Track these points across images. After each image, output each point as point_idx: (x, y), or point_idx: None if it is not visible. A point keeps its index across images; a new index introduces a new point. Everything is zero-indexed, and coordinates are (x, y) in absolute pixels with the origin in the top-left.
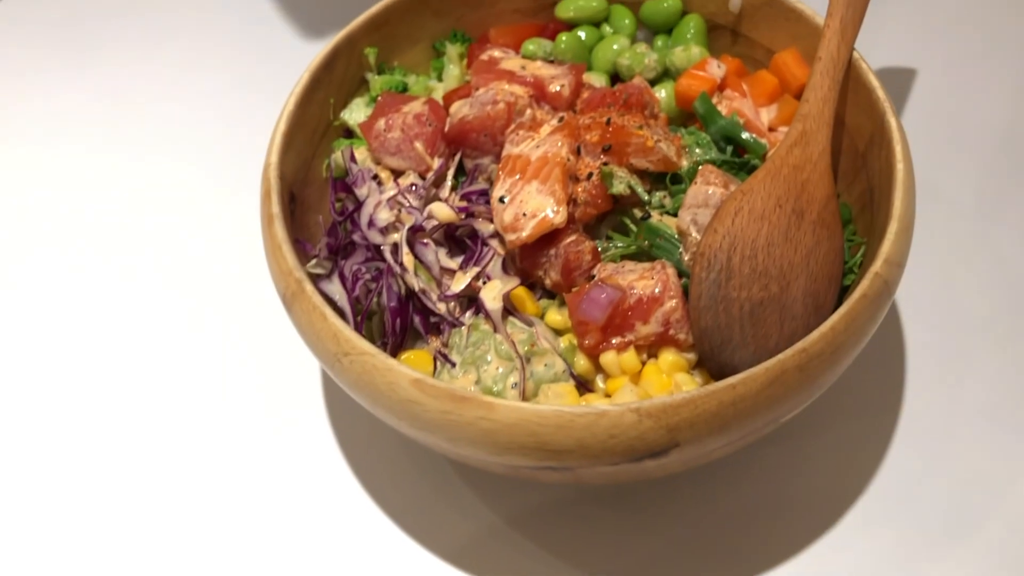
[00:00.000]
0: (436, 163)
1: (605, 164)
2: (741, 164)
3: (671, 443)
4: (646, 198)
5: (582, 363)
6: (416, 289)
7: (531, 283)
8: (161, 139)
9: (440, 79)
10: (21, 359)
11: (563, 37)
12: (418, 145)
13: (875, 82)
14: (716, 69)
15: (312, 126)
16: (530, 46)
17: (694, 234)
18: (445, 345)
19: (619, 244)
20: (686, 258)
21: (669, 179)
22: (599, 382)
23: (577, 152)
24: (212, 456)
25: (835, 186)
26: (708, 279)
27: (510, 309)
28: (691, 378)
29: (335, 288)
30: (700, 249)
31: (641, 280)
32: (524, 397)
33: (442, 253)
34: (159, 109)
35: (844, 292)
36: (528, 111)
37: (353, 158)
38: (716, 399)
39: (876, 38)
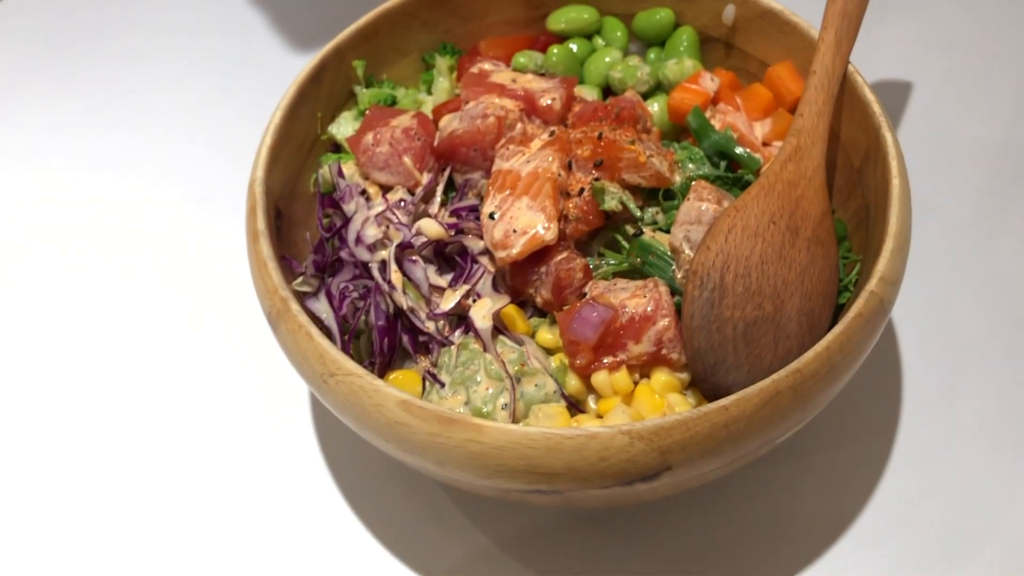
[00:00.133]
0: (425, 178)
1: (597, 179)
2: (735, 180)
3: (663, 466)
4: (638, 214)
5: (573, 383)
6: (404, 307)
7: (522, 301)
8: (149, 151)
9: (430, 92)
10: (21, 359)
11: (554, 49)
12: (407, 160)
13: (871, 96)
14: (709, 82)
15: (299, 140)
16: (521, 58)
17: (687, 251)
18: (434, 365)
19: (611, 261)
20: (679, 276)
21: (662, 195)
22: (591, 402)
23: (568, 167)
24: (211, 456)
25: (830, 202)
26: (701, 298)
27: (500, 328)
28: (684, 399)
29: (322, 306)
30: (693, 267)
31: (633, 298)
32: (514, 418)
33: (431, 270)
34: (142, 123)
35: (839, 310)
36: (519, 125)
37: (341, 173)
38: (709, 421)
39: (872, 51)
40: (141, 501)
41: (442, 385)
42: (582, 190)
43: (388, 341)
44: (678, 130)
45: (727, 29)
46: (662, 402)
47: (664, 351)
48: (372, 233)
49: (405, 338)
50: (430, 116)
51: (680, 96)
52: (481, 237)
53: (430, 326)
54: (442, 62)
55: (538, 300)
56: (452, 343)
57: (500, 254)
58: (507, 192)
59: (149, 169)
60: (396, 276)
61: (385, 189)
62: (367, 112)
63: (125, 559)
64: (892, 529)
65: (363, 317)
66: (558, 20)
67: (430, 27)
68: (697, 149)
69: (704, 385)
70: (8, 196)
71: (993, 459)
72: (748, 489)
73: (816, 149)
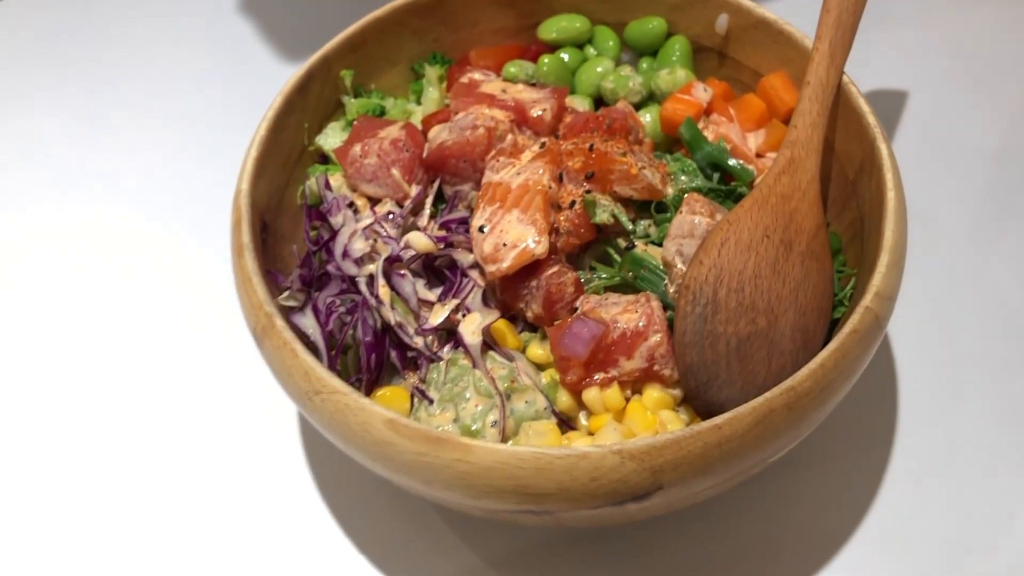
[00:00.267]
0: (414, 190)
1: (588, 192)
2: (728, 192)
3: (654, 486)
4: (630, 227)
5: (564, 400)
6: (392, 323)
7: (512, 316)
8: (149, 152)
9: (419, 102)
10: (21, 359)
11: (545, 59)
12: (395, 172)
13: (865, 107)
14: (702, 93)
15: (285, 152)
16: (512, 68)
17: (679, 265)
18: (423, 381)
19: (603, 275)
20: (671, 290)
21: (654, 207)
22: (582, 419)
23: (559, 179)
24: (210, 457)
25: (824, 215)
26: (694, 313)
27: (490, 343)
28: (676, 415)
29: (308, 322)
30: (685, 282)
31: (625, 313)
32: (504, 435)
33: (420, 284)
34: (141, 125)
35: (834, 325)
36: (509, 136)
37: (328, 185)
38: (701, 440)
39: (866, 61)
40: (141, 501)
41: (431, 402)
42: (573, 203)
43: (376, 357)
44: (671, 141)
45: (720, 39)
46: (654, 419)
47: (656, 367)
48: (360, 247)
49: (393, 354)
50: (419, 127)
51: (673, 107)
52: (471, 250)
53: (418, 341)
54: (431, 72)
55: (528, 315)
56: (441, 359)
57: (490, 268)
58: (497, 205)
59: (149, 170)
60: (384, 290)
61: (373, 201)
62: (355, 123)
63: (124, 559)
64: (888, 548)
65: (350, 332)
66: (549, 29)
67: (419, 36)
68: (690, 161)
69: (697, 402)
70: (8, 196)
71: (989, 475)
72: (742, 504)
73: (810, 161)
